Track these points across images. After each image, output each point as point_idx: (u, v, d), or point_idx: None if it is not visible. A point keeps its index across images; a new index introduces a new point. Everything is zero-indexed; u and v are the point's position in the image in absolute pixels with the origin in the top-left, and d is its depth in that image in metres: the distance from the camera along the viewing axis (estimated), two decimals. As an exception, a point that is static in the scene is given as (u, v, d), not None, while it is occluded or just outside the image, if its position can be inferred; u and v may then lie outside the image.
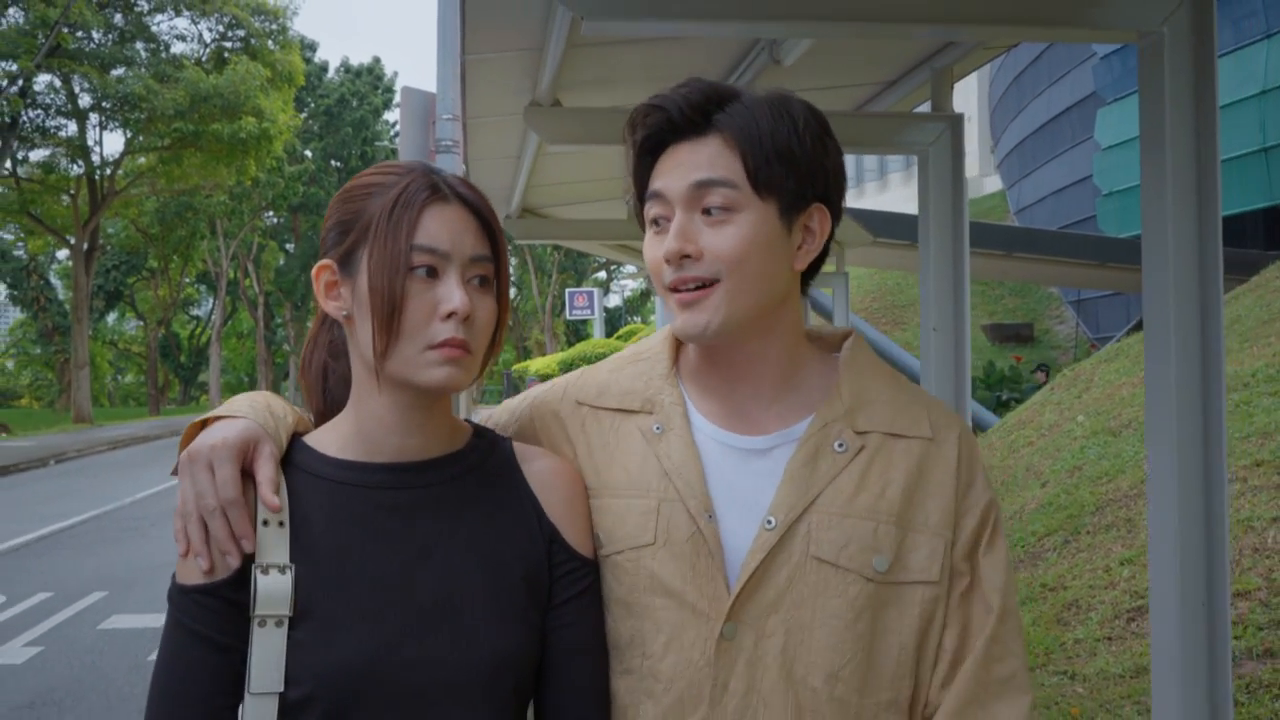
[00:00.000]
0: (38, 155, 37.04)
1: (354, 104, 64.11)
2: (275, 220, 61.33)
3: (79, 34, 33.30)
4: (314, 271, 1.44)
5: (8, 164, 33.48)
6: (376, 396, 1.42)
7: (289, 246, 64.59)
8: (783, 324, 1.54)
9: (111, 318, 65.32)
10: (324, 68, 64.20)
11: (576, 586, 1.49)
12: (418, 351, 1.36)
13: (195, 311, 71.11)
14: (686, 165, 1.46)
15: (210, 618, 1.33)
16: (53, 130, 35.98)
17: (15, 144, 33.76)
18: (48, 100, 35.62)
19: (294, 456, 1.44)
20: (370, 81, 65.96)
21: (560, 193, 9.32)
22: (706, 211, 1.45)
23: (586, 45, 4.44)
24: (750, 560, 1.43)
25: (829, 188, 1.51)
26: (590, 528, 1.54)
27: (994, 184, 37.41)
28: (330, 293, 1.43)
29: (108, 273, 52.01)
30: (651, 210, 1.50)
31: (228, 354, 65.66)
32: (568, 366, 25.13)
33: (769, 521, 1.44)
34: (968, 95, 40.15)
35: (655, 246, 1.49)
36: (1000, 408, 17.15)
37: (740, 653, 1.43)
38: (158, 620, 8.48)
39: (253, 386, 68.97)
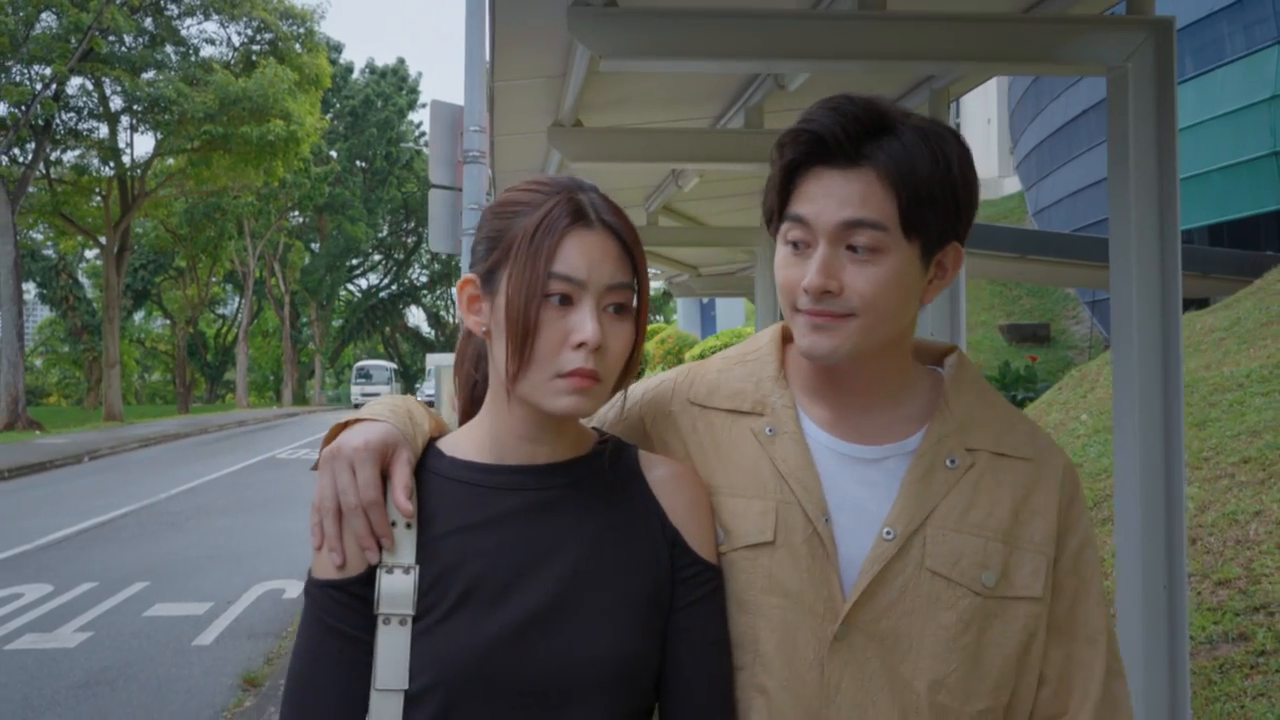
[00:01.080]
0: (70, 157, 37.65)
1: (379, 105, 64.62)
2: (301, 220, 61.79)
3: (110, 38, 33.82)
4: (459, 284, 1.48)
5: (41, 166, 33.88)
6: (508, 410, 1.46)
7: (314, 246, 65.08)
8: (901, 349, 1.57)
9: (138, 316, 65.82)
10: (349, 69, 64.67)
11: (700, 590, 1.49)
12: (546, 379, 1.38)
13: (221, 310, 71.64)
14: (837, 198, 1.44)
15: (341, 612, 1.39)
16: (85, 133, 36.56)
17: (48, 146, 34.28)
18: (80, 103, 36.18)
19: (427, 461, 1.49)
20: (395, 82, 66.44)
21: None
22: (851, 249, 1.44)
23: (606, 73, 4.81)
24: (869, 568, 1.46)
25: (967, 226, 1.52)
26: (714, 534, 1.54)
27: (1013, 185, 37.44)
28: (472, 306, 1.47)
29: (135, 272, 52.54)
30: (792, 232, 1.48)
31: (253, 352, 66.16)
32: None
33: (888, 532, 1.47)
34: (987, 97, 40.21)
35: (793, 268, 1.48)
36: (1016, 407, 17.45)
37: (851, 655, 1.46)
38: (199, 608, 8.96)
39: (278, 385, 69.47)
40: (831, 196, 1.43)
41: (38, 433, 30.74)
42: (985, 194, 40.13)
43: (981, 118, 41.65)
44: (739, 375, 1.64)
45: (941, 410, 1.55)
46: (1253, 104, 20.14)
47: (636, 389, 1.72)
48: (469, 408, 1.61)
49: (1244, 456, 7.26)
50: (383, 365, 64.34)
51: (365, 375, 61.75)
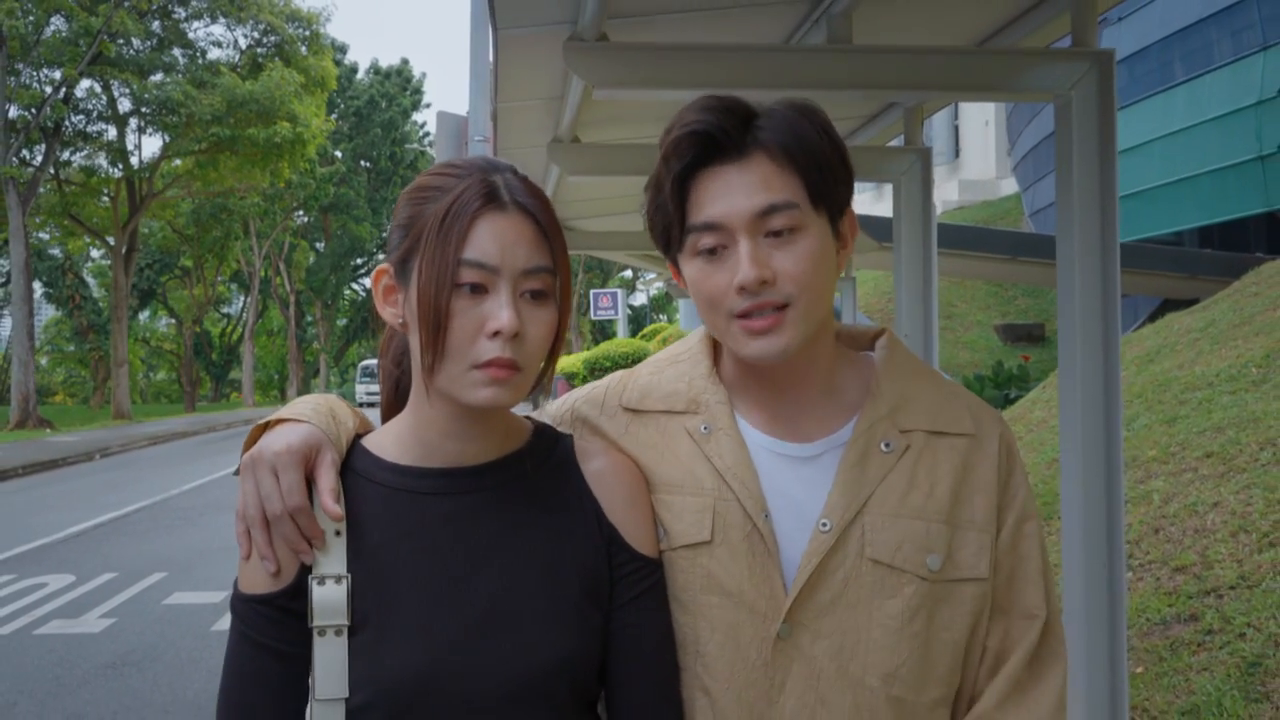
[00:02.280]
0: (78, 159, 38.08)
1: (383, 105, 64.89)
2: (306, 220, 62.16)
3: (119, 41, 34.26)
4: (373, 275, 1.42)
5: (50, 168, 34.32)
6: (430, 404, 1.41)
7: (319, 246, 65.47)
8: (826, 329, 1.53)
9: (143, 316, 66.16)
10: (354, 69, 64.91)
11: (639, 586, 1.46)
12: (463, 370, 1.33)
13: (226, 309, 72.06)
14: (741, 189, 1.41)
15: (271, 628, 1.35)
16: (94, 135, 37.06)
17: (58, 148, 34.74)
18: (89, 105, 36.66)
19: (353, 461, 1.44)
20: (399, 83, 66.71)
21: (584, 208, 10.10)
22: (772, 235, 1.41)
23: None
24: (807, 563, 1.43)
25: (851, 189, 1.51)
26: (653, 527, 1.51)
27: (1010, 186, 37.76)
28: (388, 298, 1.42)
29: (141, 271, 52.91)
30: (704, 240, 1.44)
31: (258, 351, 66.46)
32: (592, 364, 25.81)
33: (824, 524, 1.44)
34: (985, 98, 40.57)
35: (715, 276, 1.44)
36: (1009, 406, 17.82)
37: (797, 652, 1.43)
38: (216, 596, 9.36)
39: (283, 383, 69.82)
40: (735, 191, 1.41)
41: (48, 431, 31.18)
42: (983, 195, 40.60)
43: (979, 119, 41.98)
44: (671, 376, 1.62)
45: (873, 395, 1.53)
46: (1239, 109, 20.55)
47: (570, 397, 1.71)
48: (392, 404, 1.57)
49: (1207, 451, 7.66)
50: (387, 364, 64.63)
51: (370, 374, 61.99)
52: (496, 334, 1.31)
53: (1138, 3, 23.93)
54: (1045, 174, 30.86)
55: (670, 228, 1.48)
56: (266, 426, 1.42)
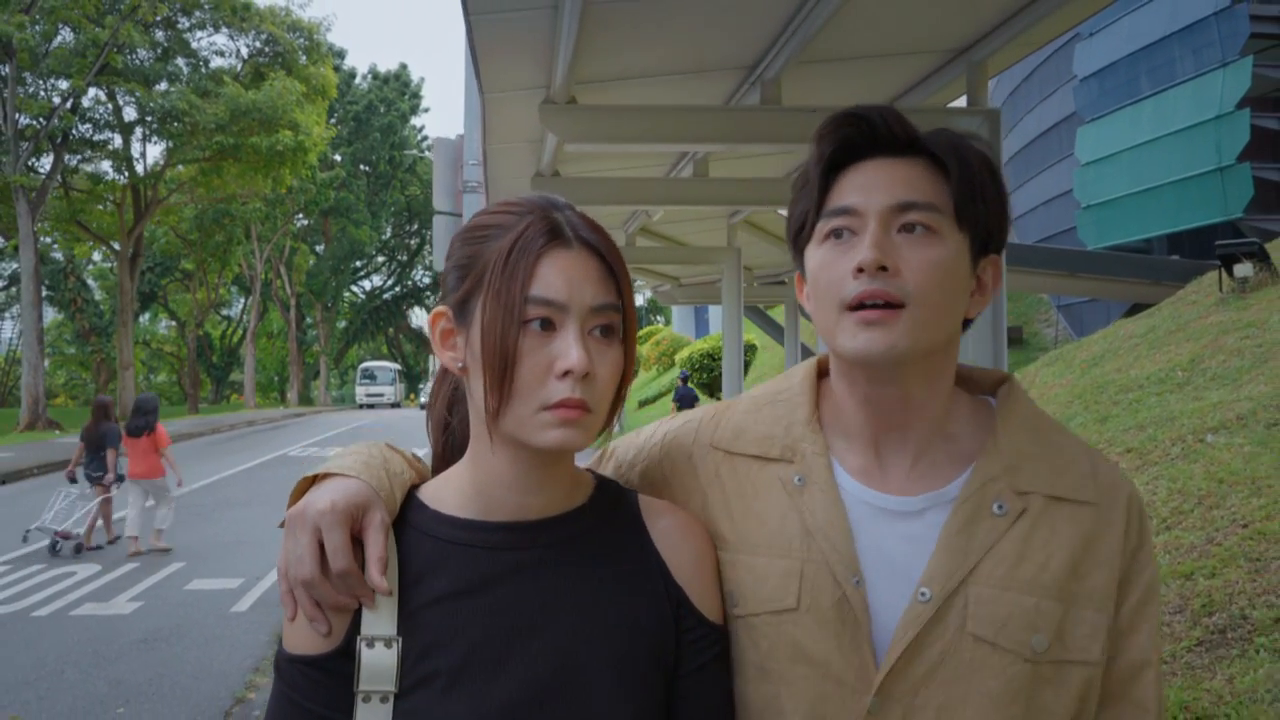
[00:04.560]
0: (86, 167, 38.93)
1: (382, 110, 65.55)
2: (306, 223, 62.77)
3: (125, 53, 35.05)
4: (430, 319, 1.35)
5: (58, 176, 35.11)
6: (493, 452, 1.33)
7: (319, 249, 66.08)
8: (944, 372, 1.41)
9: (144, 319, 66.67)
10: (352, 74, 65.54)
11: (705, 655, 1.37)
12: (532, 412, 1.26)
13: (226, 312, 72.78)
14: (888, 182, 1.34)
15: (314, 690, 1.27)
16: (100, 143, 37.90)
17: (66, 156, 35.57)
18: (95, 114, 37.49)
19: (408, 515, 1.37)
20: (398, 88, 67.33)
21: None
22: (905, 230, 1.33)
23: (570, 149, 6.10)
24: (902, 634, 1.31)
25: (1004, 241, 1.42)
26: (719, 591, 1.42)
27: (994, 192, 38.60)
28: (446, 342, 1.34)
29: (142, 275, 53.39)
30: (834, 222, 1.36)
31: (259, 354, 66.97)
32: (585, 366, 26.74)
33: (923, 594, 1.31)
34: (970, 106, 41.38)
35: (838, 261, 1.35)
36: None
37: None
38: (233, 583, 10.24)
39: (284, 385, 70.45)
40: (880, 182, 1.34)
41: (57, 432, 31.97)
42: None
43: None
44: (768, 417, 1.50)
45: (989, 449, 1.38)
46: (1201, 123, 21.46)
47: (659, 427, 1.63)
48: (443, 454, 1.52)
49: (1128, 447, 8.50)
50: (386, 366, 65.37)
51: (370, 376, 62.91)
52: (567, 374, 1.24)
53: (1107, 19, 24.87)
54: (1023, 182, 31.77)
55: (807, 214, 1.39)
56: (315, 480, 1.35)
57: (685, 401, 22.66)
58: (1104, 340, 12.64)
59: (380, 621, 1.28)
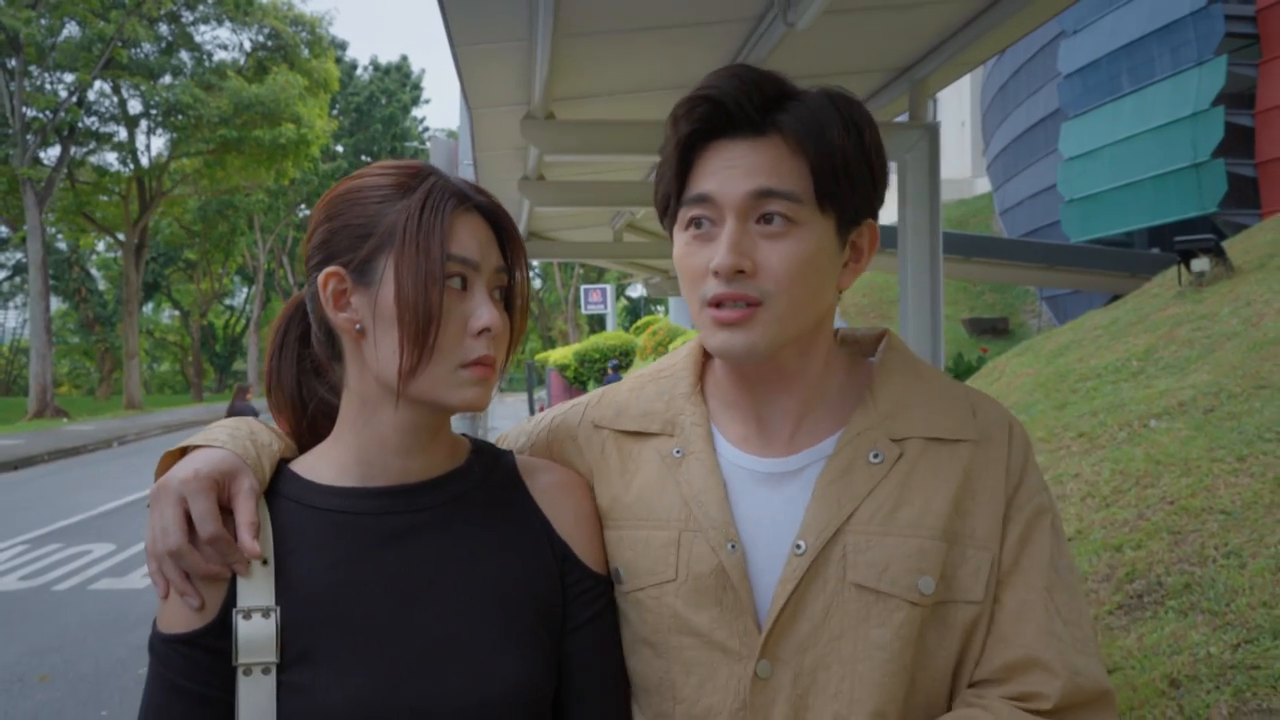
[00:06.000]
0: (91, 159, 39.40)
1: (383, 101, 65.50)
2: (308, 214, 62.85)
3: (131, 48, 35.50)
4: (321, 279, 1.29)
5: (65, 168, 35.60)
6: (384, 416, 1.32)
7: (321, 239, 66.39)
8: (818, 340, 1.40)
9: (148, 308, 66.87)
10: (354, 66, 65.58)
11: (592, 607, 1.38)
12: (449, 370, 1.26)
13: (230, 302, 73.11)
14: (743, 168, 1.28)
15: (192, 669, 1.23)
16: (105, 136, 38.38)
17: (72, 149, 36.05)
18: (101, 107, 38.00)
19: (280, 486, 1.33)
20: (398, 79, 67.30)
21: (563, 221, 11.52)
22: (762, 220, 1.28)
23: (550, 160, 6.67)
24: (780, 591, 1.28)
25: (879, 203, 1.37)
26: (603, 542, 1.43)
27: (985, 185, 38.96)
28: (338, 303, 1.29)
29: (146, 265, 53.74)
30: (693, 210, 1.32)
31: (261, 343, 66.94)
32: (581, 356, 27.17)
33: (798, 546, 1.29)
34: (961, 100, 41.73)
35: (697, 255, 1.32)
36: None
37: (778, 692, 1.28)
38: (241, 560, 10.78)
39: (286, 374, 70.61)
40: (736, 167, 1.29)
41: (64, 420, 32.59)
42: (959, 193, 41.63)
43: (955, 120, 43.10)
44: (650, 394, 1.50)
45: (865, 402, 1.38)
46: (1178, 120, 21.99)
47: (548, 414, 1.61)
48: (301, 431, 1.45)
49: (1080, 432, 9.04)
50: (387, 355, 65.45)
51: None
52: (483, 331, 1.27)
53: (1090, 17, 25.36)
54: (1013, 174, 32.23)
55: (669, 196, 1.37)
56: (180, 453, 1.32)
57: None
58: (1071, 331, 13.18)
59: (257, 592, 1.25)
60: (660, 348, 36.25)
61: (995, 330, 27.94)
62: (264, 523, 1.29)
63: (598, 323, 62.60)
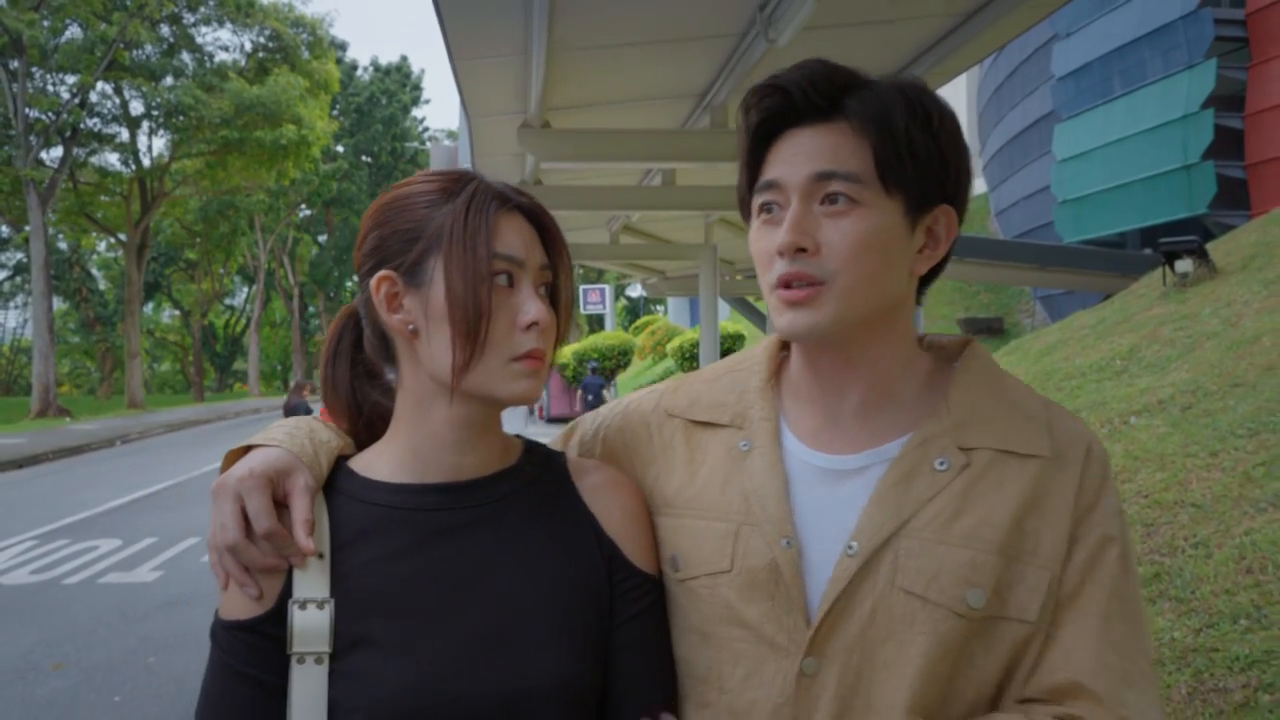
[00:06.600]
0: (93, 160, 39.62)
1: (383, 102, 65.58)
2: (309, 214, 63.08)
3: (133, 49, 35.76)
4: (374, 283, 1.34)
5: (67, 169, 35.84)
6: (438, 413, 1.36)
7: (322, 239, 66.42)
8: (895, 331, 1.38)
9: (148, 308, 66.97)
10: (354, 66, 65.69)
11: (639, 604, 1.40)
12: (501, 364, 1.31)
13: (230, 302, 73.42)
14: (808, 152, 1.30)
15: (251, 655, 1.28)
16: (108, 137, 38.62)
17: (74, 150, 36.28)
18: (103, 108, 38.22)
19: (338, 482, 1.38)
20: (399, 79, 67.38)
21: (562, 222, 11.74)
22: (826, 201, 1.29)
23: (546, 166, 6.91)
24: (830, 590, 1.28)
25: (958, 188, 1.36)
26: (653, 542, 1.44)
27: (981, 186, 39.06)
28: (391, 305, 1.34)
29: (147, 265, 53.95)
30: (762, 197, 1.34)
31: (262, 343, 67.19)
32: (580, 356, 27.42)
33: (850, 547, 1.29)
34: (957, 100, 41.82)
35: (765, 237, 1.34)
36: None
37: (824, 690, 1.27)
38: (246, 555, 11.02)
39: (287, 374, 70.91)
40: (801, 153, 1.31)
41: (67, 419, 32.80)
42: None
43: (953, 120, 43.16)
44: (725, 386, 1.51)
45: (938, 408, 1.37)
46: (1168, 122, 22.25)
47: (622, 401, 1.63)
48: (358, 430, 1.50)
49: (1063, 429, 9.30)
50: (387, 354, 65.50)
51: (371, 364, 63.15)
52: (531, 326, 1.31)
53: (1083, 20, 25.60)
54: (1008, 176, 32.46)
55: (744, 187, 1.41)
56: (243, 452, 1.38)
57: (591, 389, 23.39)
58: (1059, 331, 13.42)
59: (312, 584, 1.29)
60: (659, 347, 36.50)
61: (990, 329, 28.16)
62: (320, 517, 1.33)
63: (597, 322, 62.88)
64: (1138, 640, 1.28)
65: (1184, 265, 12.01)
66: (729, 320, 30.13)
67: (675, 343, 28.48)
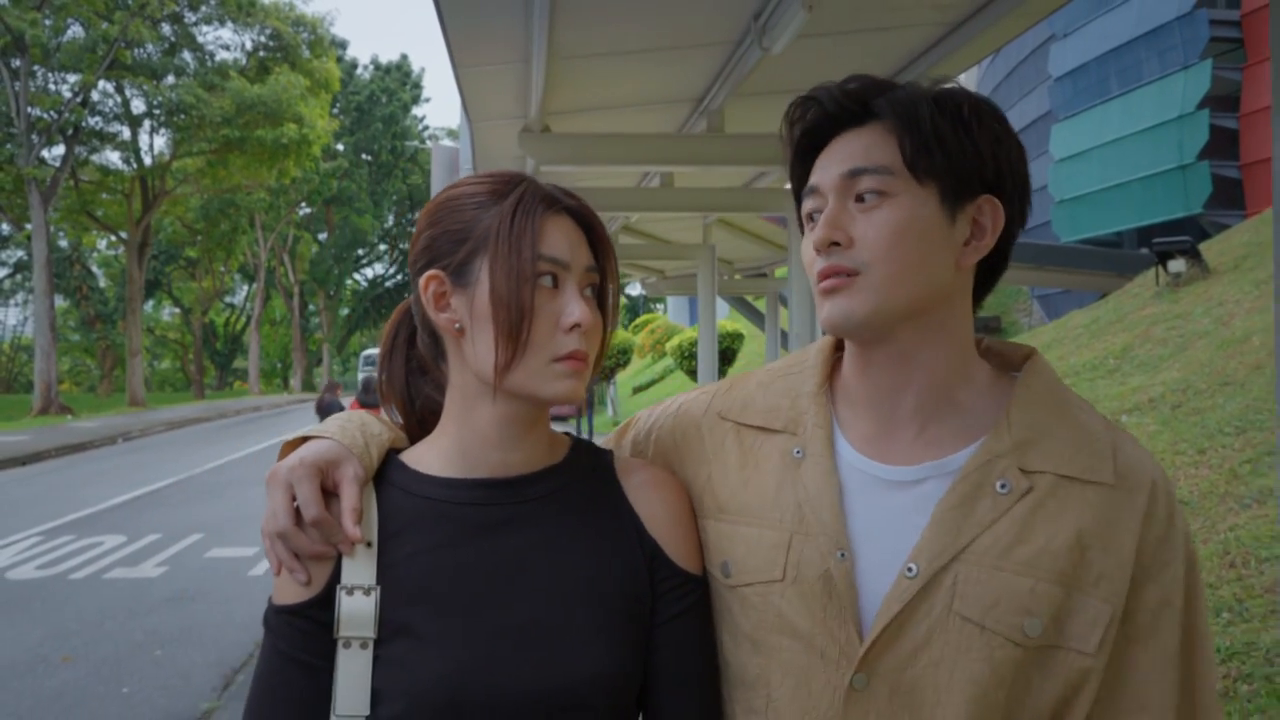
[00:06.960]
0: (95, 158, 39.75)
1: (384, 100, 65.78)
2: (309, 212, 63.19)
3: (134, 48, 35.87)
4: (422, 282, 1.36)
5: (69, 167, 35.94)
6: (483, 410, 1.38)
7: (322, 237, 66.59)
8: (945, 328, 1.34)
9: (148, 306, 67.01)
10: (354, 65, 65.80)
11: (680, 604, 1.40)
12: (543, 364, 1.32)
13: (231, 300, 73.41)
14: (842, 155, 1.32)
15: (300, 639, 1.32)
16: (109, 135, 38.73)
17: (76, 148, 36.39)
18: (104, 107, 38.35)
19: (389, 474, 1.41)
20: (399, 78, 67.48)
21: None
22: (860, 199, 1.30)
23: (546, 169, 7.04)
24: (886, 609, 1.26)
25: (1001, 179, 1.32)
26: (697, 542, 1.44)
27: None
28: (439, 304, 1.36)
29: (148, 262, 54.03)
30: (807, 205, 1.36)
31: (263, 341, 67.12)
32: (579, 354, 27.43)
33: (910, 569, 1.26)
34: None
35: (807, 239, 1.35)
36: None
37: (872, 706, 1.27)
38: (248, 551, 11.20)
39: (287, 372, 70.92)
40: (836, 156, 1.33)
41: (69, 417, 32.88)
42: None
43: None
44: (778, 390, 1.49)
45: (1000, 424, 1.31)
46: (1164, 122, 22.37)
47: (677, 399, 1.63)
48: (412, 427, 1.54)
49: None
50: (389, 353, 65.49)
51: (372, 363, 62.92)
52: (574, 327, 1.32)
53: (1080, 20, 25.73)
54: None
55: (796, 202, 1.41)
56: (299, 443, 1.41)
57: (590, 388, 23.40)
58: (1054, 330, 13.56)
59: (360, 571, 1.32)
60: (658, 346, 36.61)
61: (988, 329, 28.25)
62: (369, 507, 1.36)
63: (598, 321, 62.80)
64: (1208, 680, 1.28)
65: (1177, 265, 12.15)
66: (727, 319, 30.23)
67: (674, 341, 28.60)
